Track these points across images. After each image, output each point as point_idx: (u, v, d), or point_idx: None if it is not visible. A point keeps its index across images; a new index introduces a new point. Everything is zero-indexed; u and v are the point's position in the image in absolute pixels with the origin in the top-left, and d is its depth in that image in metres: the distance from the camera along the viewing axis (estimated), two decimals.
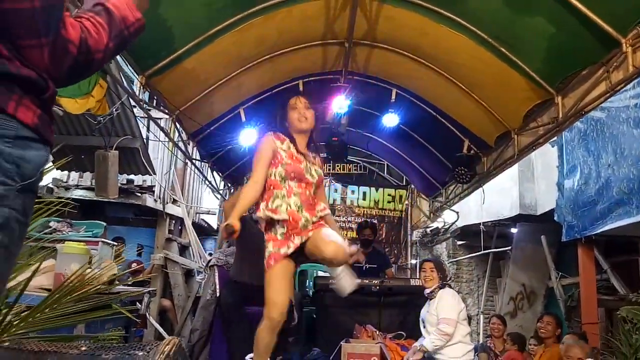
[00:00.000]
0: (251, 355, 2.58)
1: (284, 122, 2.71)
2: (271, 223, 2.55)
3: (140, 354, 1.02)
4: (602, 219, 4.43)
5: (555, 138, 5.43)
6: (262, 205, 2.56)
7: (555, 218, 5.37)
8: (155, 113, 4.81)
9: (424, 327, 3.69)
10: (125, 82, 3.74)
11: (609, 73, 2.92)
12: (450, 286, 3.93)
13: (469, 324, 6.38)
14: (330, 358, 3.74)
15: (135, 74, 3.37)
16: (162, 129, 4.34)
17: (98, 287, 2.25)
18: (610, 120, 4.47)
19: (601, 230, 4.48)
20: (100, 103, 2.98)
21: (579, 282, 5.36)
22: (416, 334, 3.91)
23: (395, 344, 3.95)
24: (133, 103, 4.25)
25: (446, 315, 3.47)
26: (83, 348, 1.05)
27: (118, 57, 3.30)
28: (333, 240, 2.41)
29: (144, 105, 3.76)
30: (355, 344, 3.75)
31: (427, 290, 3.73)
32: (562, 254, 6.56)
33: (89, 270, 2.84)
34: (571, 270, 6.01)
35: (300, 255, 2.55)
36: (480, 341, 6.38)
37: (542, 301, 7.24)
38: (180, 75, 3.68)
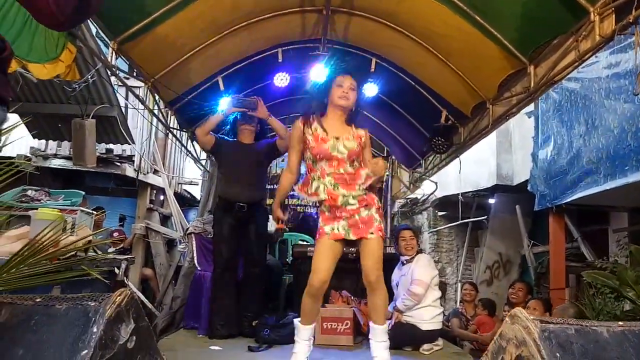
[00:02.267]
0: (299, 319, 2.76)
1: (324, 96, 2.78)
2: (320, 202, 2.70)
3: (92, 304, 1.07)
4: (572, 188, 4.54)
5: (531, 109, 5.52)
6: (304, 190, 2.74)
7: (529, 188, 5.49)
8: (132, 81, 4.76)
9: (397, 290, 3.82)
10: (96, 49, 3.67)
11: (577, 42, 2.95)
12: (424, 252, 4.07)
13: (445, 291, 6.56)
14: None
15: (107, 40, 3.32)
16: (137, 96, 4.31)
17: (69, 249, 2.29)
18: (583, 91, 4.53)
19: (570, 199, 4.60)
20: (70, 68, 2.95)
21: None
22: (391, 299, 4.04)
23: None
24: (118, 73, 4.20)
25: (419, 278, 3.60)
26: (37, 299, 1.09)
27: (88, 22, 3.25)
28: (373, 263, 2.61)
29: (118, 73, 3.70)
30: (330, 308, 3.87)
31: (406, 258, 3.83)
32: (539, 223, 6.73)
33: (62, 235, 2.87)
34: (546, 240, 6.19)
35: (354, 245, 2.74)
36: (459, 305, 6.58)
37: (517, 269, 7.46)
38: (154, 41, 3.63)
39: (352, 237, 2.61)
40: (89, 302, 1.08)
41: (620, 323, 1.18)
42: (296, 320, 2.74)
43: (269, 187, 7.33)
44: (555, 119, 5.02)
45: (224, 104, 4.00)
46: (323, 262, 2.61)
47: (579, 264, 5.35)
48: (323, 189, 2.63)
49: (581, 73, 4.45)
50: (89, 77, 4.22)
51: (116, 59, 3.42)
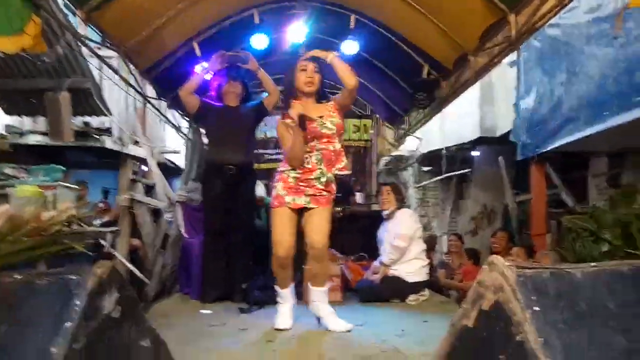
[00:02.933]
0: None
1: (292, 83, 2.83)
2: (286, 170, 2.78)
3: (74, 277, 1.07)
4: (553, 136, 4.57)
5: (514, 58, 5.47)
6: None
7: (511, 138, 5.51)
8: (106, 51, 4.60)
9: (382, 245, 3.89)
10: (64, 19, 3.52)
11: None
12: (408, 207, 4.10)
13: (435, 244, 6.67)
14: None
15: (74, 9, 3.18)
16: (110, 66, 4.17)
17: (51, 222, 2.27)
18: (565, 38, 4.49)
19: (552, 147, 4.63)
20: (36, 40, 2.82)
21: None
22: (377, 256, 4.11)
23: (357, 265, 4.16)
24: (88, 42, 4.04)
25: (401, 232, 3.66)
26: (17, 276, 1.09)
27: None
28: (319, 234, 2.71)
29: (88, 43, 3.57)
30: None
31: (385, 212, 3.90)
32: (521, 174, 6.80)
33: (44, 211, 2.84)
34: (529, 188, 6.27)
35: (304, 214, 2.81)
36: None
37: (500, 219, 7.62)
38: (124, 8, 3.50)
39: (312, 205, 2.72)
40: (70, 276, 1.08)
41: (593, 264, 1.22)
42: (276, 286, 2.91)
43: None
44: (537, 68, 4.99)
45: (212, 62, 3.88)
46: (285, 233, 2.73)
47: (560, 209, 5.47)
48: (307, 162, 2.72)
49: (563, 19, 4.39)
50: (59, 49, 4.08)
51: (85, 28, 3.28)
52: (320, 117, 2.77)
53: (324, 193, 2.76)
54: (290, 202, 2.72)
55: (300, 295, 3.84)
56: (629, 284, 1.21)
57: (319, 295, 2.86)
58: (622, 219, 3.03)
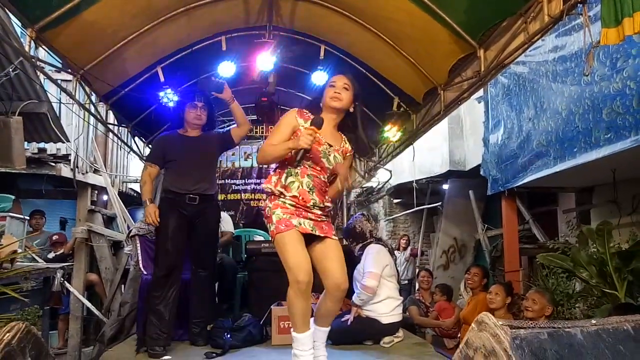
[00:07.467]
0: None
1: (319, 98, 2.60)
2: (280, 196, 2.48)
3: None
4: (523, 172, 4.59)
5: (481, 94, 5.54)
6: (274, 178, 2.52)
7: (481, 172, 5.52)
8: (64, 74, 4.38)
9: (355, 285, 3.68)
10: (17, 37, 3.31)
11: (526, 24, 2.91)
12: (380, 241, 3.86)
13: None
14: (261, 322, 3.67)
15: (23, 27, 2.97)
16: (64, 90, 3.93)
17: None
18: (531, 75, 4.56)
19: (522, 182, 4.64)
20: None
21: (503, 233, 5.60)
22: (349, 293, 3.90)
23: None
24: (39, 63, 3.79)
25: (369, 269, 3.46)
26: None
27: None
28: (342, 267, 2.45)
29: (39, 64, 3.35)
30: (286, 306, 3.69)
31: (356, 251, 3.72)
32: (491, 207, 6.83)
33: None
34: (499, 223, 6.29)
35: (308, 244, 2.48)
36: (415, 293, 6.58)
37: (472, 253, 7.59)
38: (80, 28, 3.30)
39: (318, 233, 2.47)
40: None
41: (594, 321, 1.09)
42: (293, 333, 2.41)
43: (220, 181, 7.05)
44: (504, 104, 5.05)
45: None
46: (302, 254, 2.37)
47: (531, 245, 5.45)
48: (297, 187, 2.47)
49: (528, 57, 4.47)
50: (10, 70, 3.84)
51: (36, 48, 3.07)
52: (330, 145, 2.54)
53: (324, 218, 2.55)
54: (298, 226, 2.42)
55: (268, 336, 3.59)
56: (633, 344, 1.08)
57: (323, 336, 2.57)
58: (597, 257, 2.99)
